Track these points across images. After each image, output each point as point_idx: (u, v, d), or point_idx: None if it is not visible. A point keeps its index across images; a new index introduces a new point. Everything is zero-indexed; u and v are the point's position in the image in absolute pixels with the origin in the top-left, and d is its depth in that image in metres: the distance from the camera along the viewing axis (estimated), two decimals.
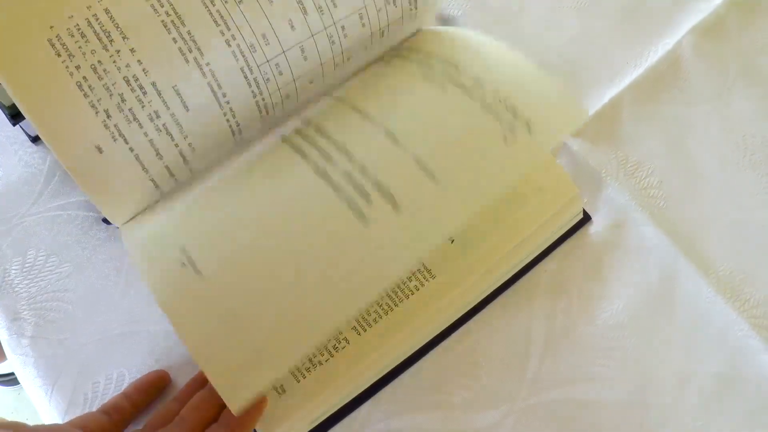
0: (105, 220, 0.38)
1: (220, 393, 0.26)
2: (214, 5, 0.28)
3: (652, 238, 0.38)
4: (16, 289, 0.38)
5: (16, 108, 0.39)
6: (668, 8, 0.44)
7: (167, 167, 0.30)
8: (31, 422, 0.30)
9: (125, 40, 0.27)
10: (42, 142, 0.41)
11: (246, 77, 0.29)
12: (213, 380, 0.26)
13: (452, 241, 0.33)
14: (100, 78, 0.27)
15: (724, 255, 0.37)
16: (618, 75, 0.42)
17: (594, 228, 0.38)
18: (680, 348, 0.35)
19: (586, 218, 0.38)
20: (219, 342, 0.27)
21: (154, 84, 0.28)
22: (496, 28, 0.44)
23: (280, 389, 0.31)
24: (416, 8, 0.33)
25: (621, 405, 0.34)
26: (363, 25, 0.31)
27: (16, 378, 0.93)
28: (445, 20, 0.44)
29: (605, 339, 0.36)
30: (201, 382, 0.34)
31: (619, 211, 0.39)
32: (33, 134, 0.41)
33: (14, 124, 0.39)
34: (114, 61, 0.27)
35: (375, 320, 0.33)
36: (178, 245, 0.29)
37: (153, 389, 0.35)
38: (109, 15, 0.27)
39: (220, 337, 0.27)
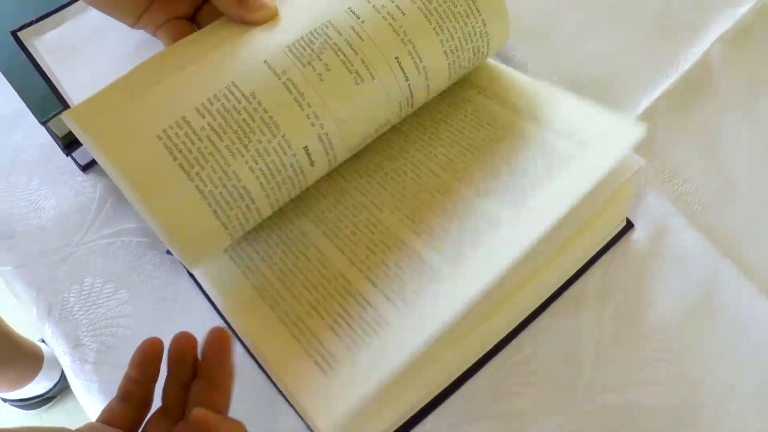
0: (168, 252, 0.39)
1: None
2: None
3: (693, 244, 0.39)
4: (76, 316, 0.39)
5: (70, 138, 0.40)
6: (696, 17, 0.45)
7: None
8: None
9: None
10: (92, 170, 0.42)
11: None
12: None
13: None
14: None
15: (765, 259, 0.38)
16: (650, 85, 0.43)
17: (636, 235, 0.40)
18: (725, 351, 0.36)
19: (629, 226, 0.39)
20: None
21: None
22: (530, 44, 0.45)
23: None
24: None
25: (673, 409, 0.35)
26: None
27: (37, 402, 0.94)
28: None
29: (653, 344, 0.37)
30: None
31: (658, 219, 0.40)
32: (83, 163, 0.42)
33: (67, 155, 0.40)
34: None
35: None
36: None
37: (152, 358, 0.32)
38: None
39: None
